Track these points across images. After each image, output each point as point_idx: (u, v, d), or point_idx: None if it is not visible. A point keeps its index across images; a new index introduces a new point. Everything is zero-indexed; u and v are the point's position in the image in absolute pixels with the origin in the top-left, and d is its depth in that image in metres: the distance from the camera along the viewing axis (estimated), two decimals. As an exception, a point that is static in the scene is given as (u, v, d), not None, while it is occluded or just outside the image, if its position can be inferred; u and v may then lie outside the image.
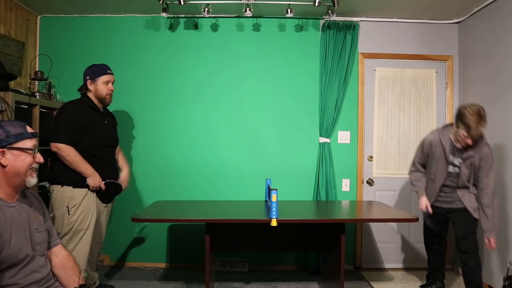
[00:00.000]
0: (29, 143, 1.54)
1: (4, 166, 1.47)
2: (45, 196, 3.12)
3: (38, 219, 1.63)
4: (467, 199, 2.79)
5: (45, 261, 1.64)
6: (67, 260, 1.74)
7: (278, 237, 2.99)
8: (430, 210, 2.87)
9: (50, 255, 1.70)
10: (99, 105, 2.79)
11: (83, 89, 2.77)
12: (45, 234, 1.65)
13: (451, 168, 2.81)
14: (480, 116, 2.58)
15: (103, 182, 2.69)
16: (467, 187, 2.80)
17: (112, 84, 2.81)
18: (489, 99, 3.28)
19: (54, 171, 2.61)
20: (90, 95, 2.75)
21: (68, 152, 2.53)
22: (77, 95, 3.64)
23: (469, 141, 2.65)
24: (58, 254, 1.73)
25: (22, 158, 1.51)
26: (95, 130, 2.70)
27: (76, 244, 2.58)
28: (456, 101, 3.78)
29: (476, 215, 2.76)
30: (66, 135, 2.53)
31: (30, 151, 1.54)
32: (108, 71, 2.79)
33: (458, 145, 2.74)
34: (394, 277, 3.57)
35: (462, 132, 2.63)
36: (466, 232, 2.78)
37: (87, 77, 2.73)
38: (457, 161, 2.78)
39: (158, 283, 3.36)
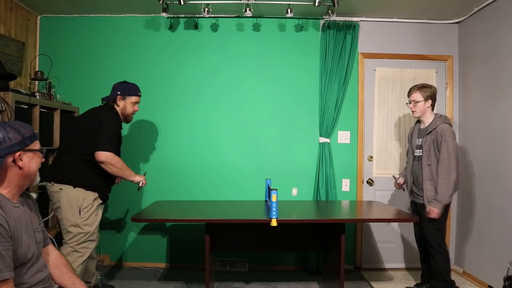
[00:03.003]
0: (38, 144, 1.59)
1: (21, 168, 1.50)
2: (45, 196, 3.12)
3: (36, 219, 1.65)
4: (426, 188, 2.85)
5: (44, 261, 1.66)
6: (60, 258, 1.77)
7: (278, 237, 2.99)
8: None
9: (43, 255, 1.72)
10: (122, 121, 2.84)
11: (110, 101, 2.79)
12: (42, 234, 1.68)
13: (417, 152, 2.97)
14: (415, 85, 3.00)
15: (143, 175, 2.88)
16: (429, 178, 2.84)
17: (138, 105, 2.90)
18: (489, 99, 3.28)
19: (67, 171, 2.58)
20: (117, 109, 2.79)
21: (116, 160, 2.58)
22: (77, 95, 3.70)
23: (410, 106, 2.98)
24: (50, 253, 1.75)
25: (35, 160, 1.56)
26: (120, 146, 2.77)
27: (82, 244, 2.58)
28: (456, 101, 3.78)
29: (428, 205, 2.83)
30: (114, 146, 2.58)
31: (40, 152, 1.58)
32: (139, 93, 2.88)
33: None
34: (394, 277, 3.57)
35: None
36: (428, 231, 2.87)
37: (118, 92, 2.77)
38: (420, 141, 2.96)
39: (158, 283, 3.36)
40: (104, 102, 2.84)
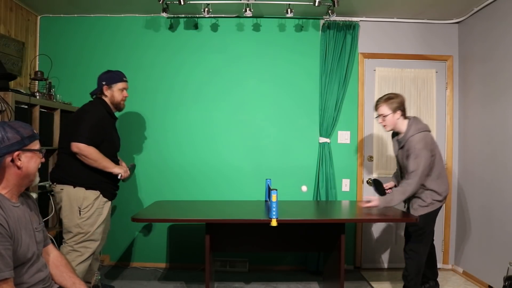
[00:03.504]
0: (38, 145, 1.58)
1: (19, 168, 1.50)
2: (45, 196, 3.13)
3: (35, 219, 1.65)
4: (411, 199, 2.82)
5: (45, 260, 1.67)
6: (60, 258, 1.77)
7: (278, 237, 2.99)
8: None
9: (43, 255, 1.72)
10: (114, 111, 2.82)
11: (98, 93, 2.78)
12: (42, 234, 1.68)
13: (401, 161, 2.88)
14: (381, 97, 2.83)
15: (127, 167, 2.82)
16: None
17: (126, 91, 2.85)
18: (489, 99, 3.28)
19: (67, 172, 2.58)
20: (106, 100, 2.77)
21: (89, 151, 2.52)
22: (77, 95, 3.69)
23: (380, 121, 2.83)
24: (50, 253, 1.75)
25: (34, 160, 1.55)
26: (111, 138, 2.75)
27: (81, 244, 2.57)
28: (456, 101, 3.78)
29: (414, 213, 2.76)
30: (88, 137, 2.52)
31: (39, 153, 1.58)
32: (124, 79, 2.83)
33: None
34: (394, 277, 3.57)
35: None
36: (409, 233, 2.84)
37: (103, 83, 2.74)
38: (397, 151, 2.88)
39: (158, 283, 3.36)
40: (93, 97, 2.83)
